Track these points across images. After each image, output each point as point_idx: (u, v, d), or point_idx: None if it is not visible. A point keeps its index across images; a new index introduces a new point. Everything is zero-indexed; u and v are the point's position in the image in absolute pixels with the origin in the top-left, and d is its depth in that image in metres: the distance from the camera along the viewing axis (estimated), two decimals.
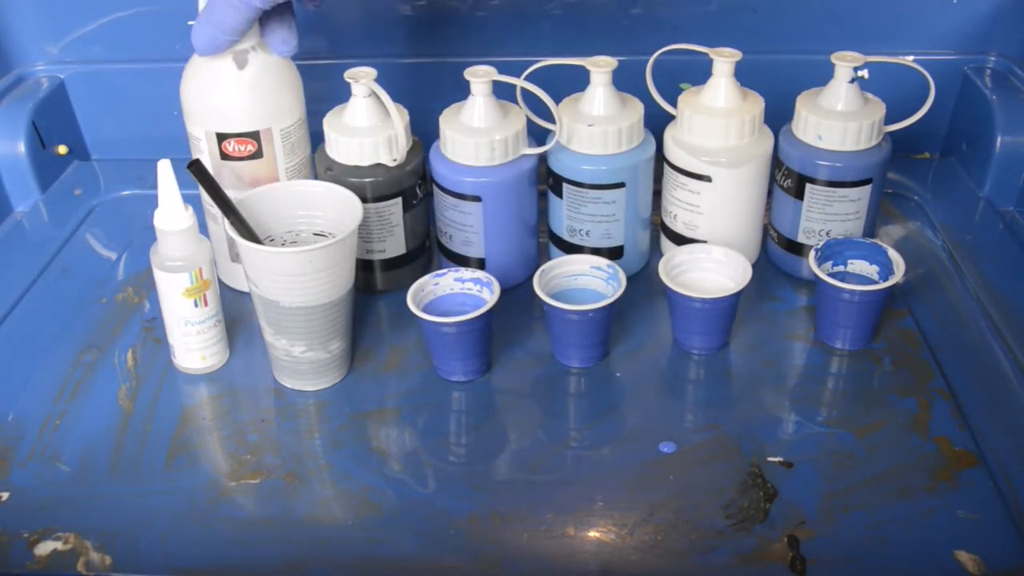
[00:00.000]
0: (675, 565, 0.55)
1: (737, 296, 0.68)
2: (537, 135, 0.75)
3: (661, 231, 0.80)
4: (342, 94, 0.73)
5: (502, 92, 0.72)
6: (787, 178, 0.75)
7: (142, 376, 0.70)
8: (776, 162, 0.76)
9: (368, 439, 0.64)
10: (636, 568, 0.55)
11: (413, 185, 0.74)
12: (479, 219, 0.73)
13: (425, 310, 0.67)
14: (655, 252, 0.81)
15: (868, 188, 0.73)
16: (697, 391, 0.69)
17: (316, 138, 0.75)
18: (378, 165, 0.72)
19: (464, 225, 0.74)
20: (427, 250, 0.78)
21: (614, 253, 0.76)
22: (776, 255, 0.79)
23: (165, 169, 0.63)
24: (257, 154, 0.70)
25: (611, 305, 0.66)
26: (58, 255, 0.83)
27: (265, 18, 0.68)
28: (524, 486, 0.60)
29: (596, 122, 0.72)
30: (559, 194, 0.74)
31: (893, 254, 0.70)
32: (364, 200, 0.69)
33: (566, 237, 0.76)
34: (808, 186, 0.73)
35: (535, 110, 0.75)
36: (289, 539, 0.57)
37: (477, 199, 0.72)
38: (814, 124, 0.72)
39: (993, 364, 0.68)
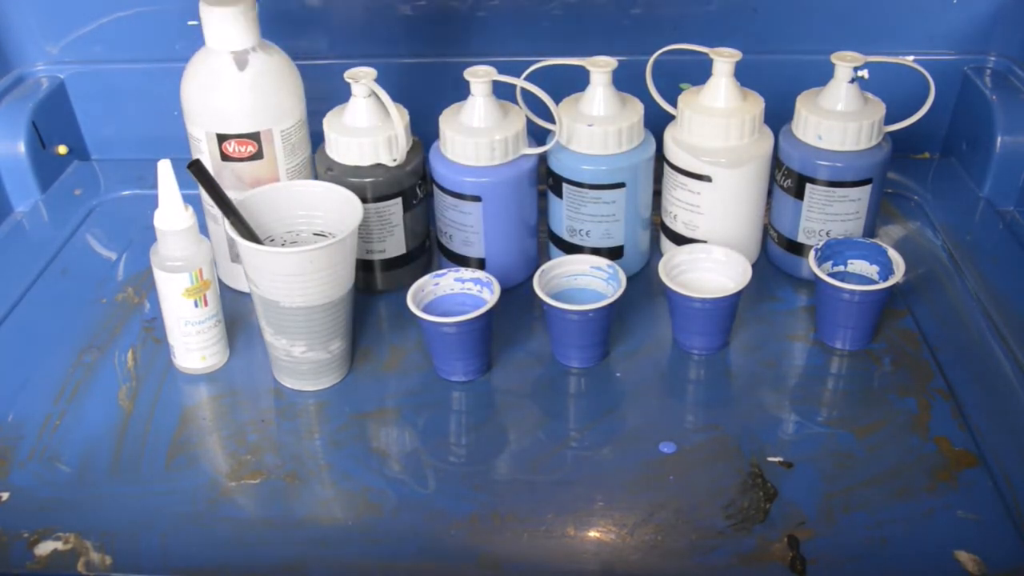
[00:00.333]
0: (675, 565, 0.55)
1: (737, 296, 0.68)
2: (537, 135, 0.75)
3: (661, 231, 0.80)
4: (342, 94, 0.73)
5: (502, 92, 0.72)
6: (787, 178, 0.75)
7: (142, 376, 0.70)
8: (776, 162, 0.76)
9: (368, 439, 0.64)
10: (636, 568, 0.55)
11: (413, 185, 0.74)
12: (479, 219, 0.73)
13: (425, 310, 0.67)
14: (655, 252, 0.81)
15: (868, 188, 0.73)
16: (697, 391, 0.69)
17: (316, 138, 0.75)
18: (378, 165, 0.72)
19: (464, 225, 0.74)
20: (427, 250, 0.78)
21: (614, 253, 0.76)
22: (776, 255, 0.79)
23: (165, 169, 0.63)
24: (257, 155, 0.70)
25: (611, 305, 0.66)
26: (58, 255, 0.83)
27: None
28: (524, 486, 0.60)
29: (596, 122, 0.72)
30: (559, 194, 0.74)
31: (893, 254, 0.70)
32: (364, 200, 0.69)
33: (566, 237, 0.76)
34: (808, 186, 0.73)
35: (535, 110, 0.75)
36: (289, 539, 0.57)
37: (477, 199, 0.72)
38: (814, 124, 0.72)
39: (993, 364, 0.68)
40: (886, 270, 0.70)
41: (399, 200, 0.73)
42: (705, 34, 0.78)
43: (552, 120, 0.73)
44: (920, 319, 0.73)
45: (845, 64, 0.72)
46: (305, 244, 0.68)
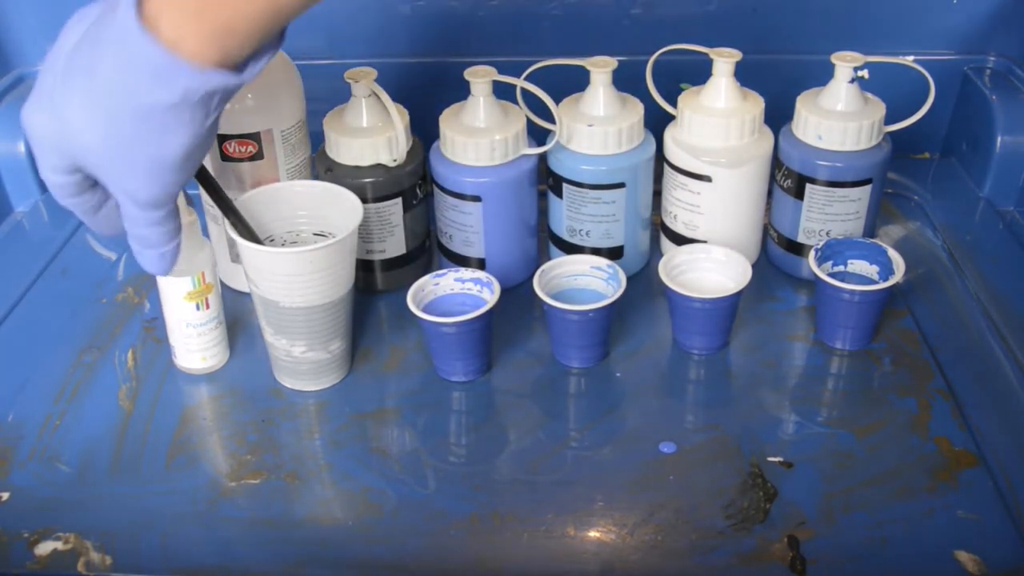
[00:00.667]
0: (675, 565, 0.55)
1: (737, 296, 0.68)
2: (537, 135, 0.75)
3: (661, 231, 0.80)
4: (342, 94, 0.73)
5: (502, 92, 0.72)
6: (787, 178, 0.75)
7: (142, 376, 0.70)
8: (776, 162, 0.76)
9: (368, 439, 0.64)
10: (636, 568, 0.55)
11: (413, 185, 0.74)
12: (479, 219, 0.73)
13: (425, 310, 0.67)
14: (655, 252, 0.81)
15: (868, 188, 0.73)
16: (697, 391, 0.69)
17: (316, 138, 0.75)
18: (378, 165, 0.72)
19: (464, 225, 0.74)
20: (427, 250, 0.78)
21: (614, 253, 0.76)
22: (776, 255, 0.79)
23: None
24: (258, 155, 0.70)
25: (611, 305, 0.66)
26: (58, 255, 0.83)
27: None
28: (524, 486, 0.60)
29: (596, 122, 0.72)
30: (559, 194, 0.74)
31: (893, 254, 0.70)
32: (364, 200, 0.69)
33: (566, 237, 0.76)
34: (808, 186, 0.73)
35: (535, 110, 0.75)
36: (289, 539, 0.57)
37: (477, 199, 0.72)
38: (814, 124, 0.72)
39: (993, 364, 0.68)
40: (886, 270, 0.70)
41: (399, 200, 0.73)
42: (705, 34, 0.78)
43: (552, 120, 0.73)
44: (920, 319, 0.73)
45: (845, 64, 0.72)
46: (305, 244, 0.68)
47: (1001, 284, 0.75)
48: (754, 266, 0.73)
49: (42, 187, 0.90)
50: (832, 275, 0.69)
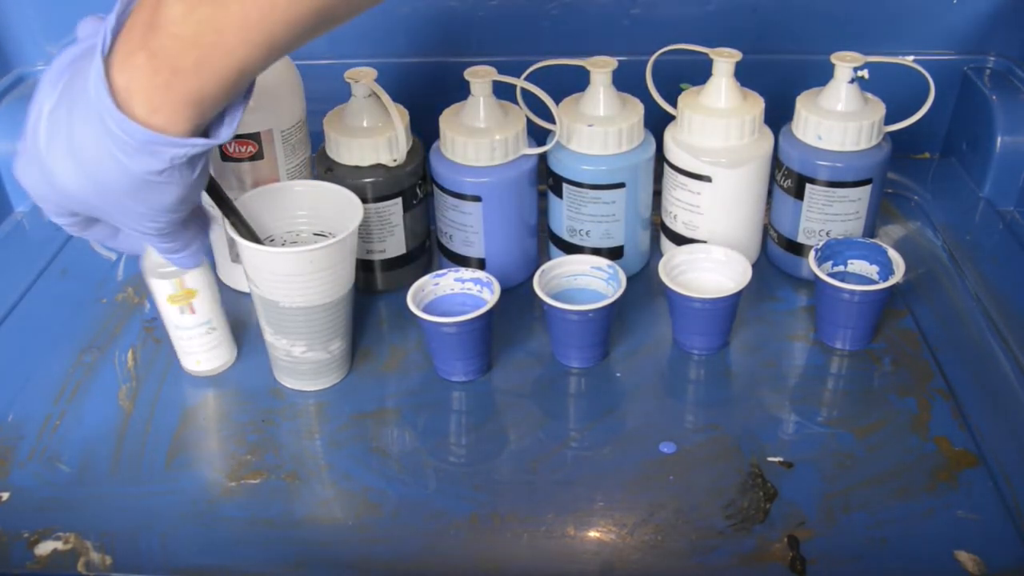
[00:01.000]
0: (675, 565, 0.55)
1: (737, 296, 0.68)
2: (537, 135, 0.75)
3: (661, 231, 0.80)
4: (342, 94, 0.73)
5: (502, 92, 0.72)
6: (787, 178, 0.75)
7: (142, 376, 0.70)
8: (776, 162, 0.76)
9: (368, 439, 0.64)
10: (636, 568, 0.55)
11: (413, 185, 0.74)
12: (479, 219, 0.73)
13: (425, 310, 0.67)
14: (655, 252, 0.81)
15: (868, 188, 0.73)
16: (697, 391, 0.69)
17: (316, 138, 0.75)
18: (378, 165, 0.72)
19: (464, 225, 0.74)
20: (427, 250, 0.78)
21: (614, 253, 0.76)
22: (776, 255, 0.79)
23: None
24: (258, 155, 0.70)
25: (611, 305, 0.66)
26: (58, 255, 0.83)
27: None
28: (524, 486, 0.60)
29: (596, 122, 0.72)
30: (559, 194, 0.74)
31: (893, 254, 0.70)
32: (364, 200, 0.69)
33: (566, 237, 0.76)
34: (808, 186, 0.73)
35: (535, 110, 0.75)
36: (289, 539, 0.57)
37: (477, 199, 0.72)
38: (814, 124, 0.72)
39: (993, 364, 0.68)
40: (886, 270, 0.70)
41: (399, 200, 0.73)
42: (705, 34, 0.78)
43: (552, 120, 0.73)
44: (920, 319, 0.73)
45: (845, 64, 0.72)
46: (305, 244, 0.68)
47: (1001, 284, 0.75)
48: (754, 266, 0.73)
49: None
50: (832, 275, 0.69)
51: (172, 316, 0.66)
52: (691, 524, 0.57)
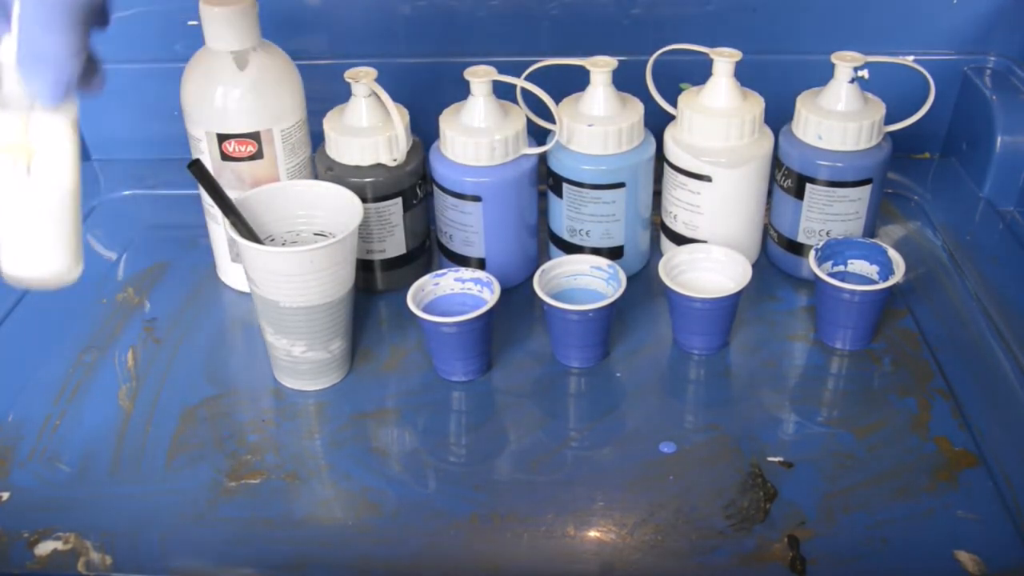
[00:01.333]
0: (675, 565, 0.55)
1: (737, 296, 0.68)
2: (537, 135, 0.75)
3: (661, 231, 0.80)
4: (342, 94, 0.73)
5: (502, 92, 0.72)
6: (787, 178, 0.75)
7: (142, 376, 0.70)
8: (776, 162, 0.76)
9: (368, 439, 0.64)
10: (636, 568, 0.55)
11: (413, 185, 0.74)
12: (479, 219, 0.73)
13: (425, 310, 0.67)
14: (655, 252, 0.81)
15: (868, 188, 0.73)
16: (697, 391, 0.69)
17: (316, 138, 0.75)
18: (378, 165, 0.72)
19: (464, 225, 0.74)
20: (427, 250, 0.78)
21: (614, 253, 0.76)
22: (776, 255, 0.79)
23: None
24: (257, 155, 0.70)
25: (611, 305, 0.66)
26: None
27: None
28: (524, 486, 0.60)
29: (596, 122, 0.72)
30: (559, 194, 0.74)
31: (893, 254, 0.70)
32: (364, 200, 0.69)
33: (566, 237, 0.76)
34: (808, 186, 0.73)
35: (535, 110, 0.75)
36: (289, 539, 0.57)
37: (477, 199, 0.72)
38: (814, 124, 0.72)
39: (993, 364, 0.68)
40: (886, 270, 0.70)
41: (399, 200, 0.73)
42: (705, 34, 0.78)
43: (552, 120, 0.73)
44: (920, 319, 0.73)
45: (845, 64, 0.72)
46: (305, 244, 0.68)
47: (1001, 284, 0.75)
48: (754, 266, 0.73)
49: None
50: (832, 275, 0.69)
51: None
52: (691, 524, 0.57)
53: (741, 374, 0.69)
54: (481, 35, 0.89)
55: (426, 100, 0.77)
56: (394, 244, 0.75)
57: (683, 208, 0.76)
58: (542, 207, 0.77)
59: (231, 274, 0.77)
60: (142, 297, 0.78)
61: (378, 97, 0.71)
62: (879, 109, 0.73)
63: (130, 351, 0.72)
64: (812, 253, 0.70)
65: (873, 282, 0.70)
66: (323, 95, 0.76)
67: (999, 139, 0.85)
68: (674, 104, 0.76)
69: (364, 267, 0.75)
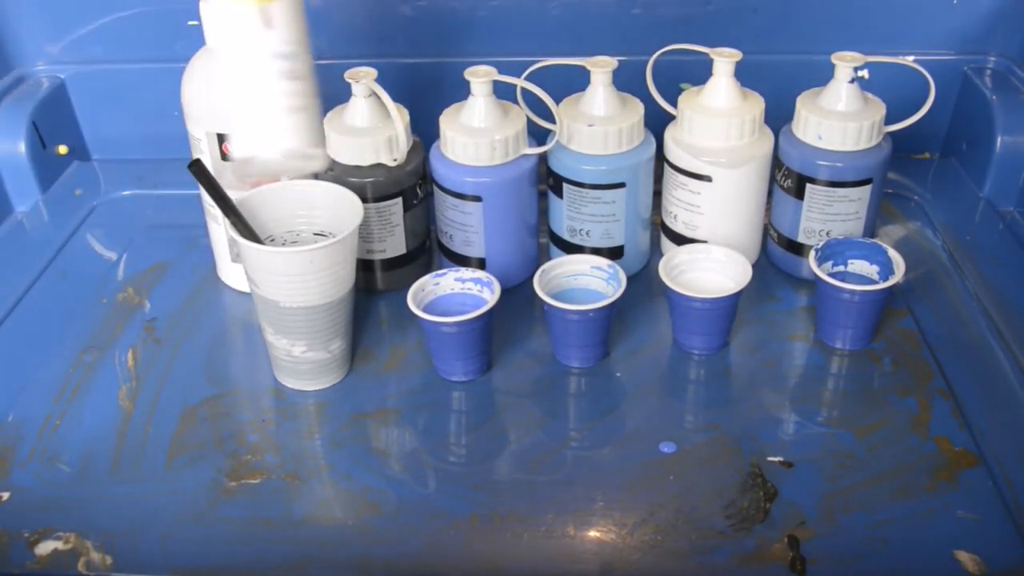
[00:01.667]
0: (675, 565, 0.55)
1: (737, 296, 0.68)
2: (537, 135, 0.75)
3: (661, 231, 0.80)
4: (342, 94, 0.73)
5: (502, 92, 0.72)
6: (787, 178, 0.75)
7: (142, 376, 0.70)
8: (776, 162, 0.76)
9: (368, 439, 0.64)
10: (636, 568, 0.55)
11: (413, 185, 0.74)
12: (479, 219, 0.73)
13: (425, 310, 0.67)
14: (655, 252, 0.81)
15: (868, 188, 0.73)
16: (697, 391, 0.69)
17: None
18: (378, 165, 0.72)
19: (464, 225, 0.74)
20: (427, 250, 0.78)
21: (614, 253, 0.76)
22: (776, 255, 0.79)
23: None
24: None
25: (611, 305, 0.66)
26: (58, 255, 0.83)
27: None
28: (524, 486, 0.60)
29: (596, 122, 0.72)
30: (559, 194, 0.74)
31: (893, 254, 0.70)
32: (364, 200, 0.69)
33: (566, 237, 0.76)
34: (808, 186, 0.73)
35: (535, 110, 0.75)
36: (289, 539, 0.57)
37: (477, 199, 0.72)
38: (814, 124, 0.72)
39: (993, 364, 0.68)
40: (886, 270, 0.70)
41: (399, 200, 0.73)
42: (705, 34, 0.78)
43: (552, 120, 0.73)
44: (920, 319, 0.73)
45: (845, 64, 0.72)
46: (305, 244, 0.68)
47: (1001, 284, 0.75)
48: (754, 266, 0.73)
49: (42, 187, 0.91)
50: (832, 275, 0.69)
51: (232, 27, 0.41)
52: (691, 524, 0.57)
53: (741, 374, 0.69)
54: (481, 35, 0.89)
55: (426, 100, 0.78)
56: (394, 244, 0.75)
57: (683, 208, 0.76)
58: (542, 207, 0.77)
59: (231, 274, 0.77)
60: (142, 297, 0.78)
61: (378, 97, 0.71)
62: (879, 109, 0.73)
63: (130, 351, 0.72)
64: (812, 253, 0.70)
65: (873, 282, 0.70)
66: (323, 95, 0.75)
67: (999, 139, 0.85)
68: (674, 104, 0.76)
69: (364, 267, 0.75)
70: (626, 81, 0.74)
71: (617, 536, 0.57)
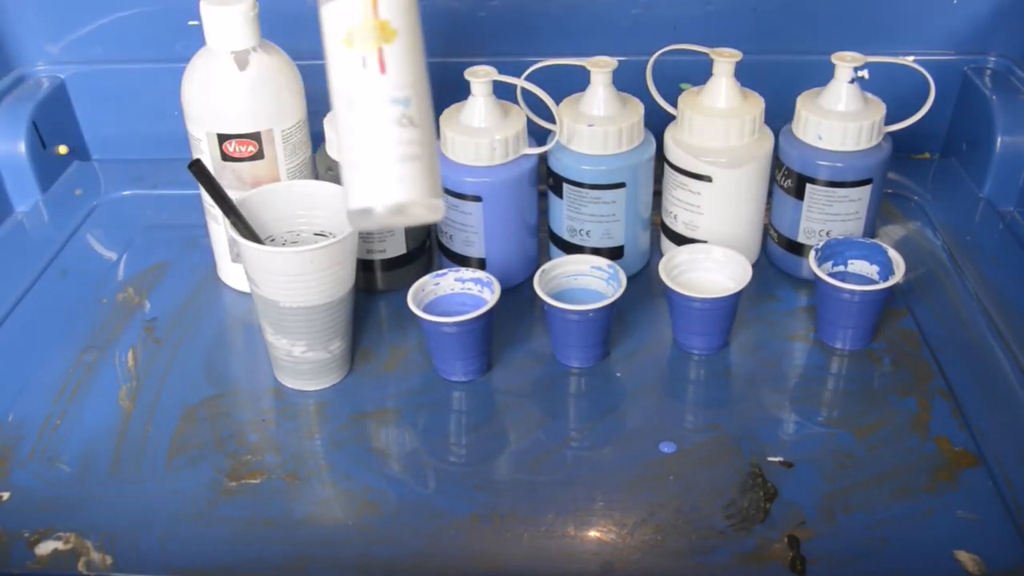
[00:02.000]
0: (675, 565, 0.55)
1: (737, 296, 0.68)
2: (537, 135, 0.75)
3: (661, 231, 0.80)
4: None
5: (502, 92, 0.72)
6: (787, 178, 0.75)
7: (142, 376, 0.70)
8: (776, 162, 0.76)
9: (368, 439, 0.64)
10: (636, 568, 0.55)
11: None
12: (479, 219, 0.73)
13: (425, 310, 0.67)
14: (655, 252, 0.81)
15: (868, 188, 0.73)
16: (697, 391, 0.69)
17: (317, 138, 0.75)
18: None
19: (465, 225, 0.74)
20: (427, 250, 0.78)
21: (614, 253, 0.76)
22: (776, 255, 0.79)
23: None
24: (258, 155, 0.70)
25: (611, 305, 0.66)
26: (58, 255, 0.83)
27: None
28: (524, 486, 0.60)
29: (596, 122, 0.72)
30: (559, 194, 0.74)
31: (893, 254, 0.70)
32: None
33: (566, 237, 0.76)
34: (808, 186, 0.73)
35: (535, 110, 0.75)
36: (289, 539, 0.57)
37: (477, 199, 0.72)
38: (814, 124, 0.72)
39: (993, 364, 0.68)
40: (886, 270, 0.70)
41: None
42: (705, 34, 0.78)
43: (552, 120, 0.73)
44: (920, 319, 0.73)
45: (845, 64, 0.72)
46: (305, 244, 0.68)
47: (1001, 284, 0.75)
48: (754, 266, 0.73)
49: (42, 187, 0.91)
50: (832, 275, 0.69)
51: (343, 71, 0.41)
52: (691, 524, 0.57)
53: (741, 374, 0.69)
54: (481, 35, 0.89)
55: None
56: (394, 244, 0.75)
57: (683, 208, 0.76)
58: (542, 207, 0.77)
59: (231, 274, 0.77)
60: (142, 297, 0.78)
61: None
62: (879, 109, 0.73)
63: (130, 351, 0.72)
64: (812, 253, 0.70)
65: (873, 282, 0.70)
66: (323, 95, 0.75)
67: (999, 139, 0.85)
68: (674, 104, 0.76)
69: (364, 267, 0.75)
70: (626, 81, 0.74)
71: (617, 536, 0.57)
